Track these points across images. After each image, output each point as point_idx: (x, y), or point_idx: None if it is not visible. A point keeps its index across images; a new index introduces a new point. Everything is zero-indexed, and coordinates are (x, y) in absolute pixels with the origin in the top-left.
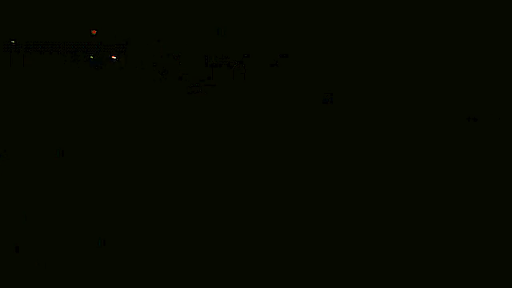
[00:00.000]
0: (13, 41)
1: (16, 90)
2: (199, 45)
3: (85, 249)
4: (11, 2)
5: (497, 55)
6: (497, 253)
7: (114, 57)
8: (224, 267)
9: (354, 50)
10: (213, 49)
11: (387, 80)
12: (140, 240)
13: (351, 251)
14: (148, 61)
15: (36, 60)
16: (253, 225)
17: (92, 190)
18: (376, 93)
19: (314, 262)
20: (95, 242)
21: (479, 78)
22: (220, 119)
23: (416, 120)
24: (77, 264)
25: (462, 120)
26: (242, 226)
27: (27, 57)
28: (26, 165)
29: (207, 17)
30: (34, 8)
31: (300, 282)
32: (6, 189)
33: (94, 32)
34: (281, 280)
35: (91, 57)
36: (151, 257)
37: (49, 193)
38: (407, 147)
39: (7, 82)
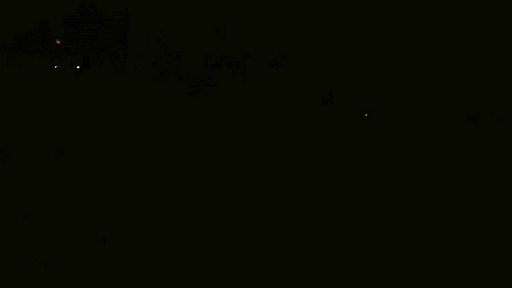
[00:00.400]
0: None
1: (15, 90)
2: (199, 45)
3: (84, 248)
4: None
5: (497, 55)
6: (497, 252)
7: (78, 67)
8: (223, 265)
9: (354, 51)
10: (213, 49)
11: (387, 80)
12: (139, 238)
13: (351, 248)
14: (148, 61)
15: (36, 61)
16: (252, 223)
17: (92, 189)
18: (376, 93)
19: (313, 259)
20: (94, 240)
21: (479, 78)
22: (220, 119)
23: (416, 120)
24: (76, 264)
25: (462, 120)
26: (242, 225)
27: (27, 58)
28: (26, 165)
29: (207, 17)
30: (37, 7)
31: (298, 281)
32: (5, 189)
33: (58, 41)
34: (280, 279)
35: (78, 66)
36: (150, 255)
37: (49, 193)
38: (407, 146)
39: (6, 83)
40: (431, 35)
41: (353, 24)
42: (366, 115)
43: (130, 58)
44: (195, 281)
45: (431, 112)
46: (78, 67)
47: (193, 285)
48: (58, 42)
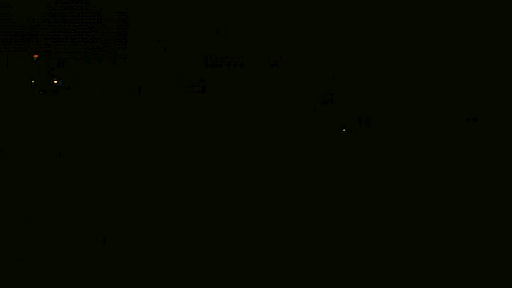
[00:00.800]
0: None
1: (14, 90)
2: (199, 45)
3: (84, 248)
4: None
5: (497, 55)
6: (497, 252)
7: (56, 81)
8: (223, 265)
9: (354, 51)
10: (213, 49)
11: (387, 81)
12: (139, 238)
13: (351, 249)
14: (148, 61)
15: (33, 61)
16: (252, 224)
17: (92, 189)
18: (376, 93)
19: (313, 261)
20: (94, 240)
21: (479, 78)
22: (220, 119)
23: (416, 120)
24: (76, 264)
25: (462, 120)
26: (241, 225)
27: (26, 57)
28: (26, 165)
29: (207, 17)
30: (37, 6)
31: (297, 281)
32: (5, 189)
33: (35, 56)
34: (279, 279)
35: (56, 81)
36: (150, 255)
37: (49, 193)
38: (407, 147)
39: (5, 82)
40: (431, 35)
41: (353, 24)
42: (353, 133)
43: (130, 58)
44: (195, 281)
45: (431, 112)
46: (56, 81)
47: (193, 285)
48: (36, 56)
